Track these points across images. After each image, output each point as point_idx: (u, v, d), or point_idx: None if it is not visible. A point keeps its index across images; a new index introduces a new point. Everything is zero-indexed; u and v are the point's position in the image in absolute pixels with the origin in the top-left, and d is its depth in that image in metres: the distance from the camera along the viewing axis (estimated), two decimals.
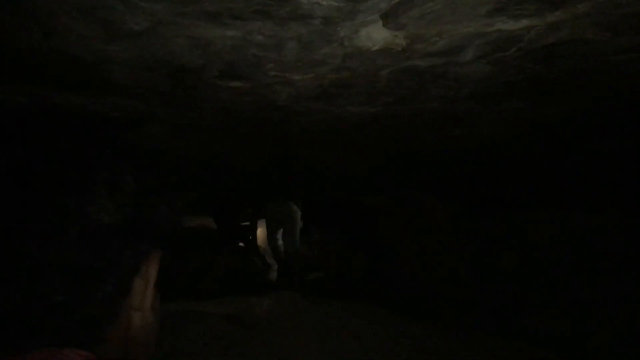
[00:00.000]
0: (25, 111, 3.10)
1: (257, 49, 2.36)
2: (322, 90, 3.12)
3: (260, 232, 9.21)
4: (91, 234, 0.66)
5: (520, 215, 6.00)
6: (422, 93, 3.25)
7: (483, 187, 6.43)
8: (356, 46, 2.34)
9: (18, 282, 0.61)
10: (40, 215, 0.63)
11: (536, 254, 5.66)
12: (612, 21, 2.04)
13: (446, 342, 4.73)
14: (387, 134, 4.61)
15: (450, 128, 4.39)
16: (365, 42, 2.29)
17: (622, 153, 5.21)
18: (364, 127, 4.34)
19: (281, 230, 6.80)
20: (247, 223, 9.46)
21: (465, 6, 1.93)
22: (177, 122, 3.94)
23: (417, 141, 4.99)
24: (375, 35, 2.23)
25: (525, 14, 1.99)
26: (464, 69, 2.65)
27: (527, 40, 2.24)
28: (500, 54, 2.43)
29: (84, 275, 0.65)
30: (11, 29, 1.96)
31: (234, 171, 6.68)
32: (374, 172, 6.63)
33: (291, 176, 6.45)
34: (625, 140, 4.90)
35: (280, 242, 6.88)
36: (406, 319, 5.41)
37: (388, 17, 2.04)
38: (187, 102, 3.35)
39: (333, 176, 7.04)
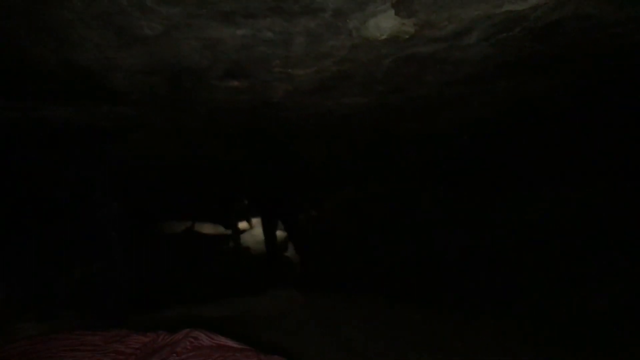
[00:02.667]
0: (14, 125, 3.06)
1: (266, 46, 2.40)
2: (320, 84, 3.17)
3: None
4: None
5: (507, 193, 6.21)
6: (417, 80, 3.33)
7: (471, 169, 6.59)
8: (364, 36, 2.41)
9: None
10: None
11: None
12: None
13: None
14: (376, 123, 4.68)
15: (438, 113, 4.49)
16: (374, 31, 2.36)
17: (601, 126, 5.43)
18: (353, 117, 4.40)
19: None
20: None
21: None
22: (168, 127, 3.92)
23: (406, 127, 5.08)
24: (384, 24, 2.29)
25: None
26: (465, 52, 2.74)
27: (533, 19, 2.35)
28: (504, 34, 2.52)
29: None
30: (25, 43, 1.94)
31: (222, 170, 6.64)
32: (359, 162, 6.70)
33: (279, 172, 6.48)
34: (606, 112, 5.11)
35: None
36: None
37: (400, 5, 2.11)
38: (182, 104, 3.36)
39: (320, 170, 7.08)
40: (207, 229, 8.70)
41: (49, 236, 4.51)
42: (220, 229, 8.81)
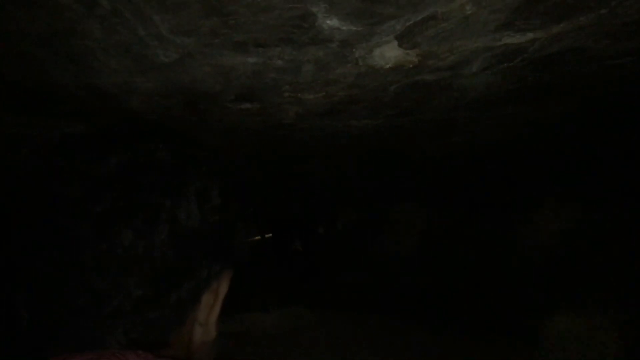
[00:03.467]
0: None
1: (276, 73, 2.54)
2: (330, 107, 3.31)
3: None
4: (179, 236, 0.72)
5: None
6: (425, 104, 3.45)
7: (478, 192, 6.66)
8: (370, 65, 2.54)
9: (107, 273, 0.67)
10: (137, 212, 0.70)
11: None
12: (611, 30, 2.26)
13: None
14: (385, 144, 4.80)
15: (448, 135, 4.61)
16: (379, 60, 2.49)
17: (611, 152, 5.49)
18: (363, 139, 4.53)
19: None
20: None
21: (477, 24, 2.13)
22: None
23: (415, 150, 5.19)
24: (389, 54, 2.42)
25: (531, 28, 2.21)
26: (469, 80, 2.86)
27: (531, 51, 2.46)
28: (505, 64, 2.64)
29: (165, 275, 0.71)
30: (47, 67, 2.11)
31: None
32: (371, 183, 6.81)
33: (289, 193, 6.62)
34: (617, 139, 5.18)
35: None
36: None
37: (403, 38, 2.24)
38: (196, 125, 3.51)
39: (328, 190, 7.20)
40: None
41: None
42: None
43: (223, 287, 0.83)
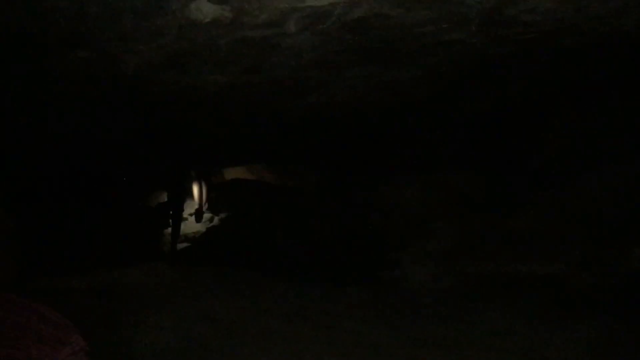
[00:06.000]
0: None
1: (96, 21, 2.67)
2: (169, 60, 3.46)
3: None
4: None
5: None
6: (265, 62, 3.69)
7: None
8: (189, 18, 2.73)
9: None
10: None
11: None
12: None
13: None
14: (245, 101, 5.02)
15: (303, 95, 4.90)
16: (197, 14, 2.69)
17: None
18: (222, 96, 4.71)
19: None
20: None
21: None
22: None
23: (278, 108, 5.46)
24: (205, 8, 2.63)
25: None
26: (293, 39, 3.13)
27: (337, 15, 2.76)
28: (320, 26, 2.93)
29: None
30: None
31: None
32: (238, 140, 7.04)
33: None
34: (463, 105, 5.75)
35: None
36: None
37: None
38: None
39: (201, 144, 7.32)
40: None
41: None
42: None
43: None
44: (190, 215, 8.78)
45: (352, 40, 3.23)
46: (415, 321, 4.62)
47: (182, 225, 7.95)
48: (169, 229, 7.68)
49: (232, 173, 9.88)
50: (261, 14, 2.68)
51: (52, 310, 0.74)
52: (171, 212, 7.51)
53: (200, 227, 8.80)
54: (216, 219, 8.98)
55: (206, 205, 8.88)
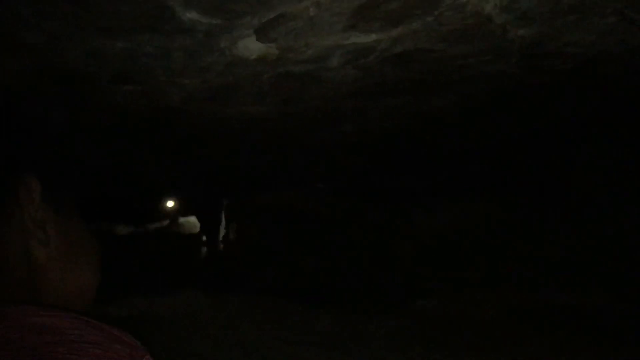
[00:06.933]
0: None
1: (147, 58, 2.79)
2: (212, 93, 3.59)
3: None
4: None
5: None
6: (304, 94, 3.79)
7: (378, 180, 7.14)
8: (236, 55, 2.84)
9: None
10: None
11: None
12: (442, 35, 2.67)
13: None
14: (280, 130, 5.13)
15: (339, 123, 4.98)
16: (244, 52, 2.79)
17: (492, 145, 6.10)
18: (258, 124, 4.82)
19: None
20: None
21: (323, 24, 2.48)
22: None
23: (310, 136, 5.55)
24: (252, 46, 2.73)
25: (372, 30, 2.58)
26: (334, 73, 3.22)
27: (380, 50, 2.84)
28: (362, 60, 3.01)
29: None
30: None
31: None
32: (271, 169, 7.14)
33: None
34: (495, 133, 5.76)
35: None
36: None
37: (260, 32, 2.55)
38: (79, 104, 3.69)
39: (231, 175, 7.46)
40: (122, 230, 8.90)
41: None
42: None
43: None
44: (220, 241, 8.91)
45: (392, 73, 3.31)
46: (456, 353, 4.59)
47: (213, 251, 8.06)
48: (203, 255, 7.80)
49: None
50: (307, 50, 2.78)
51: (124, 331, 0.78)
52: (204, 239, 7.64)
53: (229, 252, 8.91)
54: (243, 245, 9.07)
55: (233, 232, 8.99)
